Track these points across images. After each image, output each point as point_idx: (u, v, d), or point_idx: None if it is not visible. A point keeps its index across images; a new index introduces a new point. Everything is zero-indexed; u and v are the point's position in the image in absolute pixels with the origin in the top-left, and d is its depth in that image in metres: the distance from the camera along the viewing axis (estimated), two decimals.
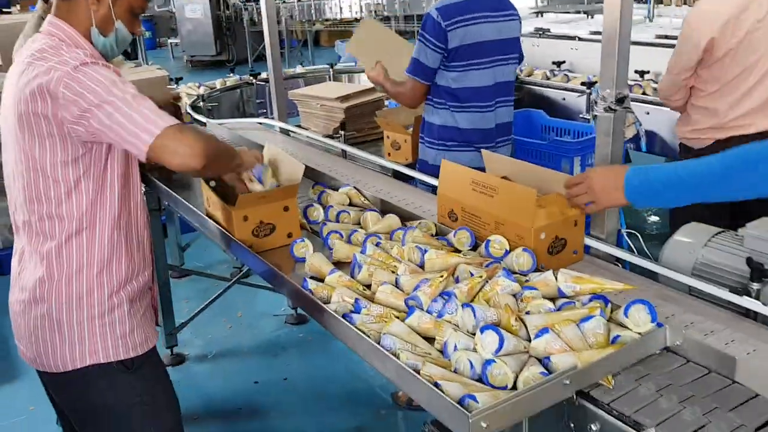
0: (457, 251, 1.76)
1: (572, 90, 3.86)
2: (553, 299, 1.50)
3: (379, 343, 1.38)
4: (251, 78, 4.35)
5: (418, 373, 1.27)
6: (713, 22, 2.53)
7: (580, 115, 3.67)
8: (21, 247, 1.77)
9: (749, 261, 1.54)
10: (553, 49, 4.43)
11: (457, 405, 1.16)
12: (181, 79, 4.43)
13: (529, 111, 3.85)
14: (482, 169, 2.74)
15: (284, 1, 10.91)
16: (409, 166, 2.79)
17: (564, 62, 4.29)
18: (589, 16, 5.29)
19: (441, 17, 2.53)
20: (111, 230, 1.72)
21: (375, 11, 8.95)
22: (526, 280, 1.58)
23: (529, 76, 4.27)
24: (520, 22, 2.79)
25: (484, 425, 1.14)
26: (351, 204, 2.21)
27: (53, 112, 1.56)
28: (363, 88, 3.41)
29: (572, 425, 1.29)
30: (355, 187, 2.27)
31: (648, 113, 3.35)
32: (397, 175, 2.69)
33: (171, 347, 3.49)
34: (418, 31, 2.73)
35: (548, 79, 4.17)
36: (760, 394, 1.25)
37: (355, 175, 2.60)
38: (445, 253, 1.66)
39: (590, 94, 3.62)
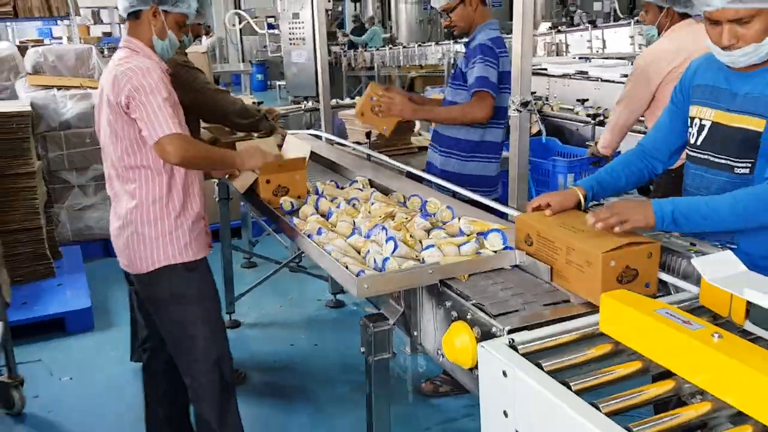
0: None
1: (580, 121, 4.45)
2: (456, 235, 2.15)
3: (323, 249, 2.08)
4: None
5: (338, 261, 1.96)
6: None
7: (587, 143, 4.23)
8: (113, 190, 2.50)
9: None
10: (581, 88, 5.03)
11: (353, 274, 1.84)
12: (262, 102, 5.36)
13: (546, 138, 4.48)
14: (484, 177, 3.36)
15: (377, 49, 11.92)
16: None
17: (587, 100, 4.87)
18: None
19: (495, 45, 3.10)
20: (168, 179, 2.41)
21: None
22: (443, 224, 2.24)
23: (552, 109, 4.92)
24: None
25: (366, 286, 1.81)
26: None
27: (119, 99, 2.30)
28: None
29: (439, 306, 1.92)
30: (368, 179, 2.95)
31: None
32: (411, 176, 3.34)
33: (230, 313, 4.28)
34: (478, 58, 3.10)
35: (575, 113, 4.78)
36: (560, 289, 1.85)
37: (373, 172, 3.30)
38: (386, 206, 2.35)
39: (595, 124, 4.20)
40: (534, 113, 2.31)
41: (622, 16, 11.45)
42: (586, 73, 5.27)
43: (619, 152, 3.86)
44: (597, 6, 18.83)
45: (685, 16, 3.18)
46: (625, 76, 4.93)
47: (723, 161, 1.99)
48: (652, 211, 1.82)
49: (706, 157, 2.02)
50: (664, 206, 1.82)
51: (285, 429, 3.28)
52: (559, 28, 8.09)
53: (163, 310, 2.54)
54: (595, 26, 7.12)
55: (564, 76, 5.32)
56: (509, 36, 2.93)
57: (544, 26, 11.39)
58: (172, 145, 2.27)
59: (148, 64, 2.35)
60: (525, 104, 2.29)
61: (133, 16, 2.45)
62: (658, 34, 3.22)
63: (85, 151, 5.36)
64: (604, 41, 6.77)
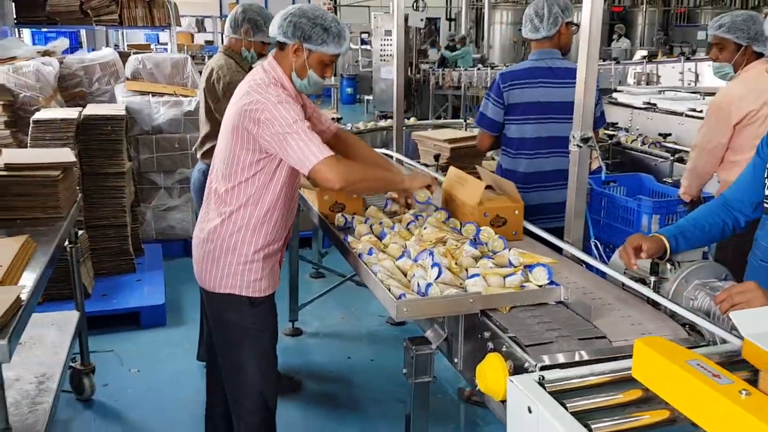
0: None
1: (657, 156, 4.36)
2: (504, 266, 2.16)
3: (370, 269, 2.14)
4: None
5: (382, 283, 2.01)
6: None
7: (664, 179, 4.13)
8: (209, 203, 2.51)
9: (652, 262, 2.09)
10: (663, 122, 4.92)
11: (393, 297, 1.89)
12: (341, 118, 5.53)
13: (639, 175, 4.38)
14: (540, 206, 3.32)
15: (465, 70, 11.94)
16: None
17: (670, 134, 4.75)
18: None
19: (501, 80, 3.22)
20: (265, 212, 2.41)
21: None
22: (494, 254, 2.26)
23: (631, 142, 4.84)
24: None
25: (405, 309, 1.86)
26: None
27: (254, 130, 2.29)
28: (471, 134, 4.17)
29: (479, 335, 1.94)
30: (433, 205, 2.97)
31: None
32: None
33: (293, 321, 4.40)
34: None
35: (654, 147, 4.69)
36: (603, 332, 1.84)
37: (437, 195, 3.33)
38: (438, 230, 2.38)
39: (674, 160, 4.09)
40: (595, 149, 2.30)
41: None
42: (655, 105, 5.16)
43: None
44: (700, 35, 18.27)
45: (759, 55, 3.08)
46: (694, 110, 4.82)
47: None
48: None
49: None
50: None
51: None
52: (651, 58, 7.87)
53: (220, 331, 2.59)
54: (688, 59, 6.92)
55: (647, 108, 5.21)
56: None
57: (640, 54, 11.16)
58: (332, 170, 2.26)
59: (283, 96, 2.33)
60: (585, 140, 2.28)
61: (279, 46, 2.43)
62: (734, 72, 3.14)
63: (173, 155, 5.65)
64: (696, 74, 6.57)
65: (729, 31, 3.10)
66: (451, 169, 2.79)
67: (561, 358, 1.69)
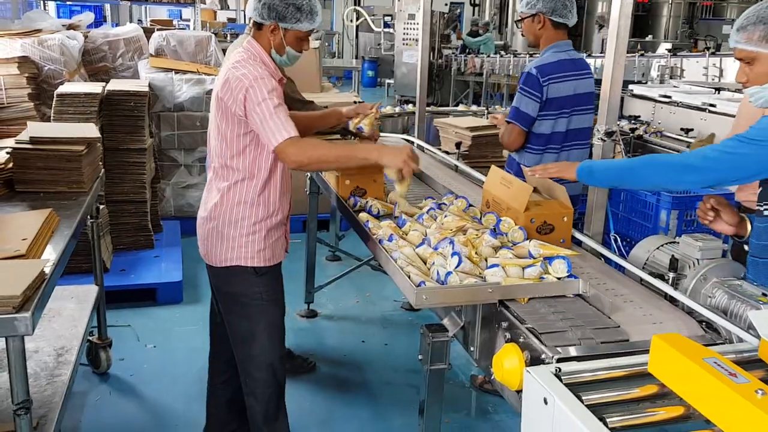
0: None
1: (678, 151, 4.33)
2: (523, 257, 2.17)
3: (390, 255, 2.16)
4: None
5: (402, 269, 2.03)
6: None
7: None
8: (209, 182, 2.61)
9: (672, 258, 2.09)
10: (686, 117, 4.88)
11: (413, 284, 1.91)
12: (362, 102, 5.52)
13: None
14: None
15: (488, 56, 11.87)
16: None
17: (692, 129, 4.71)
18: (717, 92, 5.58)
19: (539, 74, 3.14)
20: (263, 183, 2.49)
21: None
22: (513, 245, 2.26)
23: (647, 134, 4.87)
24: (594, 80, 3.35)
25: (424, 297, 1.88)
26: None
27: (234, 106, 2.37)
28: (492, 123, 4.15)
29: (496, 325, 1.96)
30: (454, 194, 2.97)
31: None
32: None
33: (308, 303, 4.44)
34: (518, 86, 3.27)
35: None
36: (620, 326, 1.84)
37: (457, 183, 3.35)
38: (459, 219, 2.39)
39: None
40: (618, 143, 2.30)
41: None
42: (670, 97, 5.15)
43: None
44: (726, 29, 17.99)
45: None
46: (711, 105, 4.76)
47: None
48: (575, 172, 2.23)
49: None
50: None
51: (346, 420, 3.39)
52: (676, 52, 7.78)
53: (228, 305, 2.64)
54: (713, 53, 6.83)
55: (669, 102, 5.18)
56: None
57: (664, 47, 11.03)
58: (286, 151, 2.35)
59: (261, 71, 2.41)
60: (610, 134, 2.28)
61: (256, 26, 2.52)
62: None
63: (194, 134, 5.68)
64: (721, 70, 6.49)
65: None
66: (494, 169, 2.62)
67: (578, 351, 1.70)
